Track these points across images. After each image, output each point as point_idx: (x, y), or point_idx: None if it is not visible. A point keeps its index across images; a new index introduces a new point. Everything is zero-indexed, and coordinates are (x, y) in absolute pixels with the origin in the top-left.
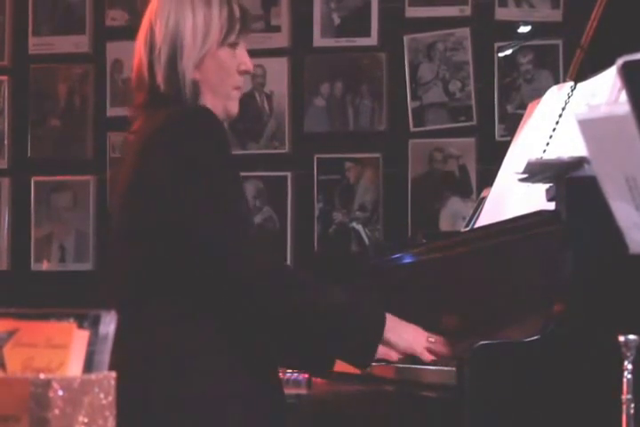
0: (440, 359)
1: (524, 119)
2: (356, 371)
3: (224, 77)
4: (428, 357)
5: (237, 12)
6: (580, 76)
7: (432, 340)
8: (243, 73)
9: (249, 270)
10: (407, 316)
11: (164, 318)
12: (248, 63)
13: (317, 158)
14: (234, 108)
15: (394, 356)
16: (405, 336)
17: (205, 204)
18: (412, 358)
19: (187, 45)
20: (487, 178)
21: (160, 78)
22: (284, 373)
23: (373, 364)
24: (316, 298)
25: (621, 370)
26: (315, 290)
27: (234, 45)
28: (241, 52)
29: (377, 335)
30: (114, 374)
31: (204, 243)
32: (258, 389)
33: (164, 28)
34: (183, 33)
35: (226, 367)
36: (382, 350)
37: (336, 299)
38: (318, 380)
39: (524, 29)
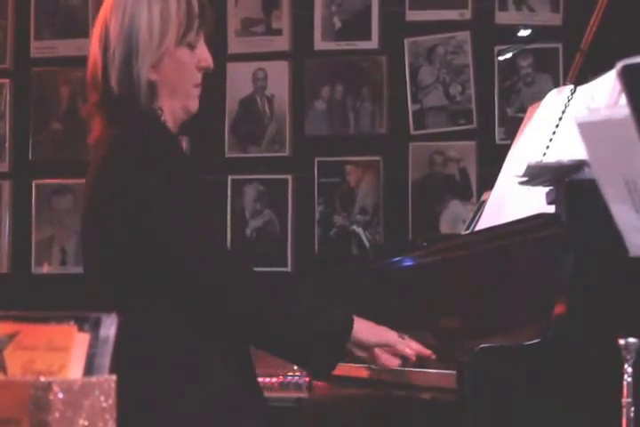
0: (416, 357)
1: (524, 122)
2: (357, 374)
3: (183, 76)
4: (403, 348)
5: (196, 8)
6: (580, 80)
7: (404, 338)
8: (202, 69)
9: (213, 282)
10: (407, 318)
11: (145, 319)
12: (208, 59)
13: (318, 161)
14: (194, 106)
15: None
16: (375, 332)
17: (167, 214)
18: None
19: (142, 45)
20: (487, 181)
21: (114, 80)
22: (285, 376)
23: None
24: (282, 310)
25: (621, 373)
26: (280, 302)
27: (193, 43)
28: (200, 48)
29: (340, 347)
30: (114, 376)
31: (170, 257)
32: (245, 389)
33: (118, 25)
34: (138, 31)
35: (207, 368)
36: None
37: (301, 309)
38: (319, 383)
39: (524, 33)
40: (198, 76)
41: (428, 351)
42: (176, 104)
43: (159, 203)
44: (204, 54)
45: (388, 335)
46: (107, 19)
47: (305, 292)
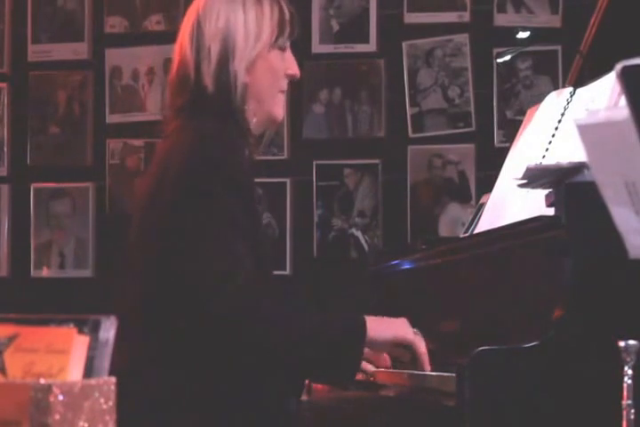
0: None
1: (523, 125)
2: (357, 376)
3: (272, 81)
4: (417, 341)
5: (287, 14)
6: (580, 82)
7: (417, 332)
8: (289, 77)
9: (221, 306)
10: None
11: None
12: (295, 67)
13: (316, 165)
14: (279, 112)
15: (368, 367)
16: (390, 328)
17: (196, 238)
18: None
19: (239, 45)
20: (486, 184)
21: (208, 79)
22: None
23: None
24: (289, 331)
25: (621, 375)
26: (288, 321)
27: (283, 48)
28: (289, 55)
29: (355, 356)
30: (114, 379)
31: (183, 276)
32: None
33: (213, 25)
34: (234, 31)
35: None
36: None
37: (309, 327)
38: (318, 386)
39: (522, 35)
40: (285, 83)
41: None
42: (261, 111)
43: (191, 233)
44: (291, 61)
45: (405, 331)
46: (199, 19)
47: (309, 300)
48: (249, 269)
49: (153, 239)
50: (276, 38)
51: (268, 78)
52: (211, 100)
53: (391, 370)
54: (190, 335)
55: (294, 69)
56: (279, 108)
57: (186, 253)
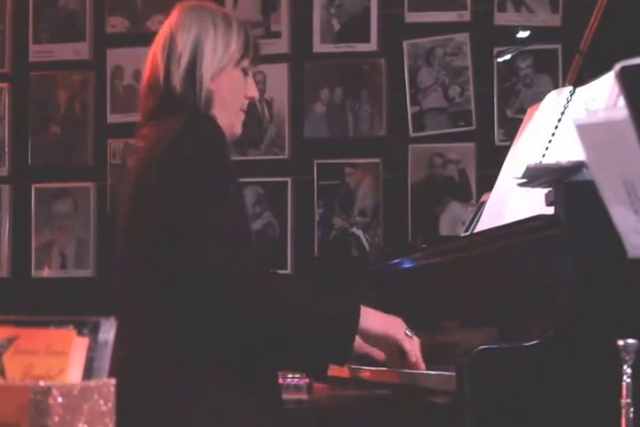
0: (415, 359)
1: (523, 124)
2: (357, 375)
3: (234, 96)
4: (407, 345)
5: (252, 42)
6: (579, 81)
7: (409, 334)
8: (249, 98)
9: (218, 273)
10: (407, 321)
11: (161, 324)
12: (255, 92)
13: (317, 164)
14: (238, 127)
15: (376, 353)
16: (382, 321)
17: (191, 212)
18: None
19: (207, 55)
20: (487, 183)
21: (177, 80)
22: (285, 378)
23: (369, 368)
24: (287, 300)
25: (620, 374)
26: (285, 292)
27: (246, 71)
28: (250, 80)
29: (351, 330)
30: (113, 380)
31: (179, 248)
32: (257, 399)
33: (185, 36)
34: (204, 43)
35: (223, 377)
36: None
37: (307, 298)
38: (319, 385)
39: (523, 34)
40: (245, 104)
41: (421, 361)
42: (226, 119)
43: (188, 211)
44: (252, 86)
45: (395, 329)
46: (172, 31)
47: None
48: (245, 244)
49: (145, 222)
50: (241, 57)
51: (231, 91)
52: (178, 100)
53: (391, 369)
54: (188, 320)
55: (254, 93)
56: (238, 125)
57: (181, 229)
